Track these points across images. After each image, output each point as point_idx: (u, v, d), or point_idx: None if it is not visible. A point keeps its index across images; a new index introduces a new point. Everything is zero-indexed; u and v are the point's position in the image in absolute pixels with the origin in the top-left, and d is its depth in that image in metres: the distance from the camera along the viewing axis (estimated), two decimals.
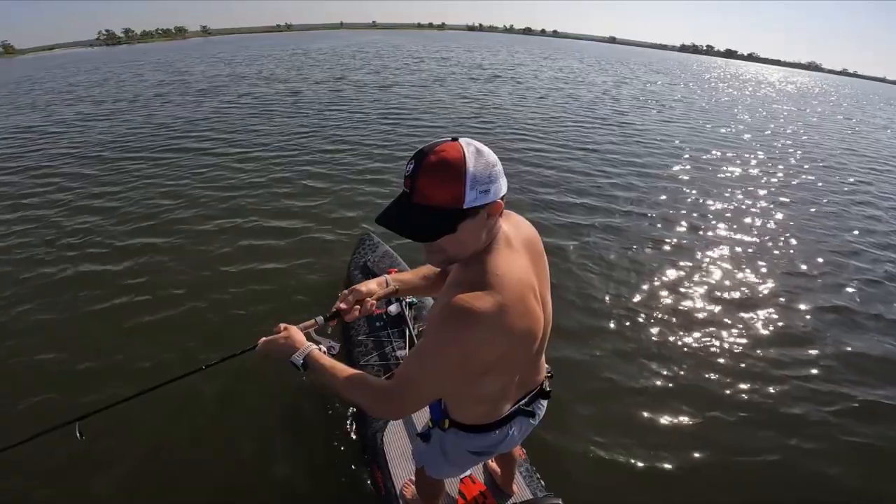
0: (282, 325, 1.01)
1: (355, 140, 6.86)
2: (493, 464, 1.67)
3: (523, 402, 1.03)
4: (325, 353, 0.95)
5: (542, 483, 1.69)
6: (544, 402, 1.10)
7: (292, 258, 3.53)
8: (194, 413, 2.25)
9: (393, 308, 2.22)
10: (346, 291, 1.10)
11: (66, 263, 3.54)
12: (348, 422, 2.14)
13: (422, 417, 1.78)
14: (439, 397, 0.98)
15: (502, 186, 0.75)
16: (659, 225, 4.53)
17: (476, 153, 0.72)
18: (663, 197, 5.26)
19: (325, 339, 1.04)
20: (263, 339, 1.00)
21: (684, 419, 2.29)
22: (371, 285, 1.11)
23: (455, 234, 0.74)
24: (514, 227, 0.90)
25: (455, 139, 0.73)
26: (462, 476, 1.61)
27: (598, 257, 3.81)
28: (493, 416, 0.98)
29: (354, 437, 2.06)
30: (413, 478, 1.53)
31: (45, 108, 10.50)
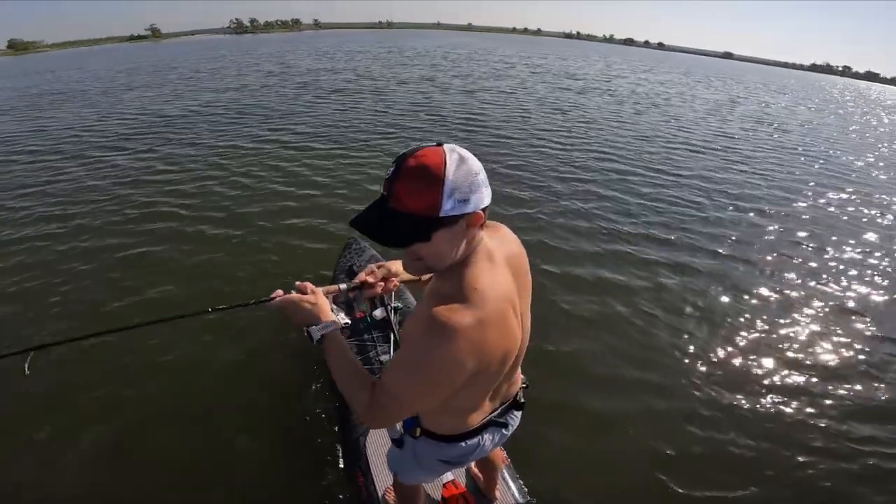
0: (308, 286, 0.96)
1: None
2: (475, 469, 1.68)
3: (496, 413, 1.02)
4: (342, 326, 0.92)
5: (525, 488, 1.70)
6: (518, 413, 1.10)
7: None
8: (176, 409, 2.31)
9: (378, 312, 2.30)
10: (374, 265, 1.09)
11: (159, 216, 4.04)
12: (331, 427, 2.15)
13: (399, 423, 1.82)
14: (422, 410, 0.94)
15: (484, 197, 0.73)
16: (749, 270, 3.89)
17: (458, 161, 0.70)
18: (764, 238, 4.53)
19: (339, 309, 0.99)
20: (282, 294, 0.95)
21: (674, 428, 2.30)
22: (398, 266, 1.09)
23: (430, 243, 0.72)
24: (500, 241, 0.88)
25: (440, 144, 0.71)
26: (445, 481, 1.62)
27: (666, 299, 3.37)
28: (464, 426, 0.98)
29: (337, 442, 2.05)
30: None
31: (173, 92, 12.04)
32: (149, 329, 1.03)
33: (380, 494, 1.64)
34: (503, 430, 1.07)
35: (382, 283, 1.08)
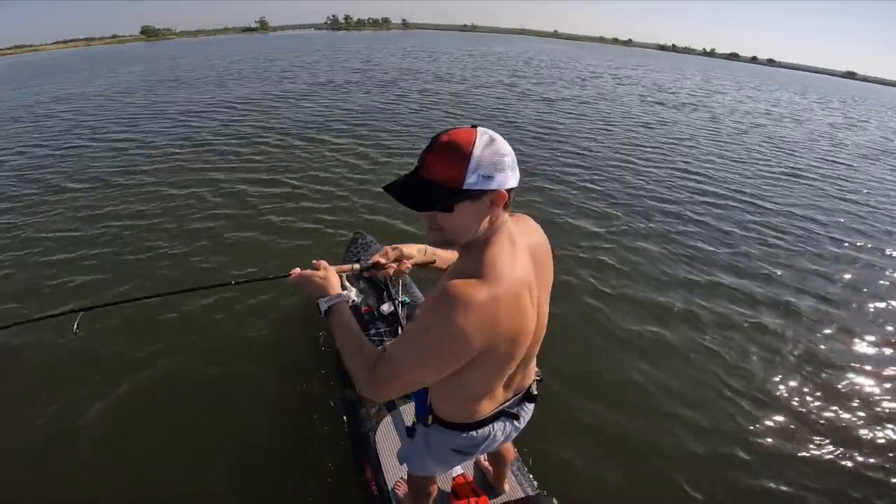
0: (322, 262, 1.03)
1: None
2: (485, 462, 1.69)
3: (508, 403, 1.04)
4: (352, 303, 0.96)
5: (535, 482, 1.71)
6: (530, 406, 1.12)
7: None
8: (194, 381, 2.43)
9: (385, 307, 2.16)
10: (389, 247, 1.13)
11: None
12: (340, 419, 2.10)
13: (410, 415, 1.77)
14: (423, 384, 0.89)
15: (510, 178, 0.76)
16: (852, 318, 3.32)
17: (488, 141, 0.74)
18: (875, 282, 3.82)
19: (354, 287, 1.04)
20: (299, 270, 1.02)
21: (685, 421, 2.30)
22: (412, 249, 1.13)
23: (452, 214, 0.76)
24: (524, 231, 0.92)
25: (474, 126, 0.76)
26: (454, 475, 1.63)
27: (735, 337, 3.02)
28: (476, 415, 0.99)
29: (346, 434, 2.01)
30: (405, 476, 1.53)
31: (275, 82, 13.00)
32: (184, 296, 1.18)
33: (389, 488, 1.63)
34: (515, 422, 1.08)
35: (395, 265, 1.11)
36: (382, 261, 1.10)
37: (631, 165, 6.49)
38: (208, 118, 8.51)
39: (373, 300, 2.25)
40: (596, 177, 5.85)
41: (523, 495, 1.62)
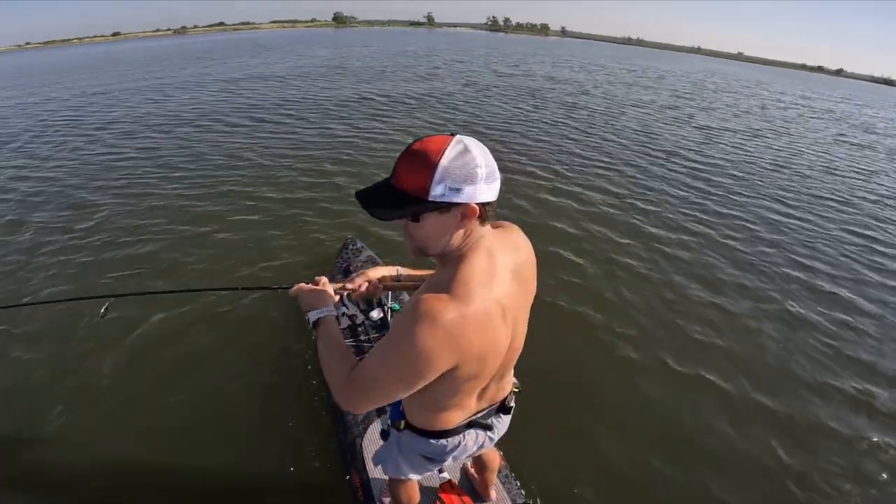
0: (322, 279, 1.06)
1: (645, 194, 5.53)
2: (472, 470, 1.69)
3: (481, 414, 1.04)
4: (343, 314, 0.89)
5: (522, 490, 1.72)
6: (505, 418, 1.12)
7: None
8: (194, 380, 2.46)
9: (375, 314, 2.20)
10: (356, 274, 1.15)
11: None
12: (328, 426, 2.10)
13: None
14: (395, 398, 0.86)
15: (482, 192, 0.73)
16: None
17: (460, 151, 0.71)
18: None
19: (353, 305, 1.03)
20: (302, 284, 1.06)
21: (667, 433, 2.30)
22: (378, 272, 1.17)
23: (420, 224, 0.76)
24: (509, 246, 0.89)
25: (453, 134, 0.74)
26: (441, 482, 1.64)
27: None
28: (446, 423, 1.00)
29: (334, 441, 2.01)
30: None
31: (425, 78, 13.87)
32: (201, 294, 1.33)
33: (376, 495, 1.64)
34: (488, 433, 1.07)
35: (366, 284, 1.13)
36: (350, 286, 1.12)
37: (815, 226, 5.13)
38: (353, 110, 9.44)
39: (364, 307, 2.28)
40: (768, 234, 4.79)
41: (510, 503, 1.64)
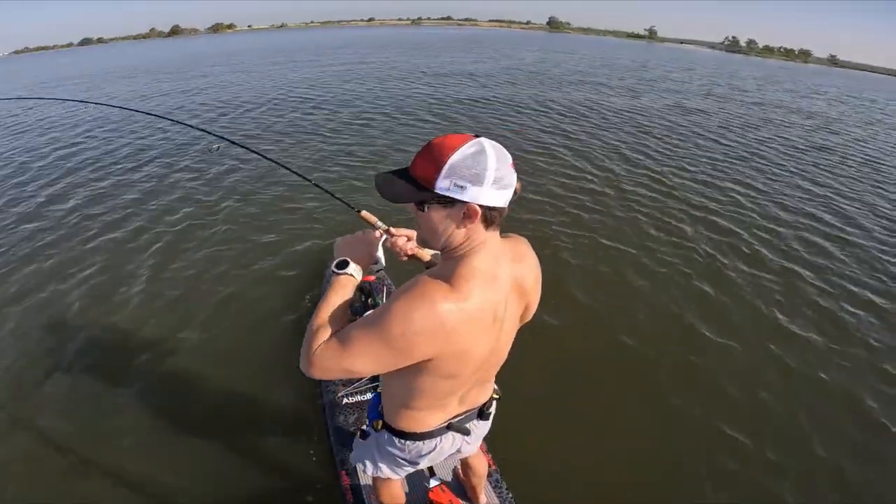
0: (380, 232, 1.09)
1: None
2: (462, 474, 1.69)
3: (459, 418, 1.04)
4: (358, 281, 0.96)
5: (510, 494, 1.72)
6: (483, 424, 1.13)
7: None
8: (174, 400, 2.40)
9: (358, 306, 2.09)
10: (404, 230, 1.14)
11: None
12: (319, 427, 2.09)
13: None
14: (361, 373, 0.84)
15: (486, 195, 0.75)
16: None
17: (475, 153, 0.73)
18: None
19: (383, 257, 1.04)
20: (371, 216, 1.16)
21: (661, 431, 2.30)
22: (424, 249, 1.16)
23: (424, 213, 0.80)
24: (515, 256, 0.90)
25: (477, 135, 0.76)
26: (432, 486, 1.64)
27: None
28: (423, 425, 1.01)
29: (323, 441, 2.00)
30: None
31: (627, 97, 12.48)
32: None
33: (365, 496, 1.66)
34: (465, 438, 1.08)
35: (403, 241, 1.11)
36: (393, 232, 1.11)
37: None
38: (529, 117, 8.93)
39: (359, 306, 2.14)
40: None
41: None
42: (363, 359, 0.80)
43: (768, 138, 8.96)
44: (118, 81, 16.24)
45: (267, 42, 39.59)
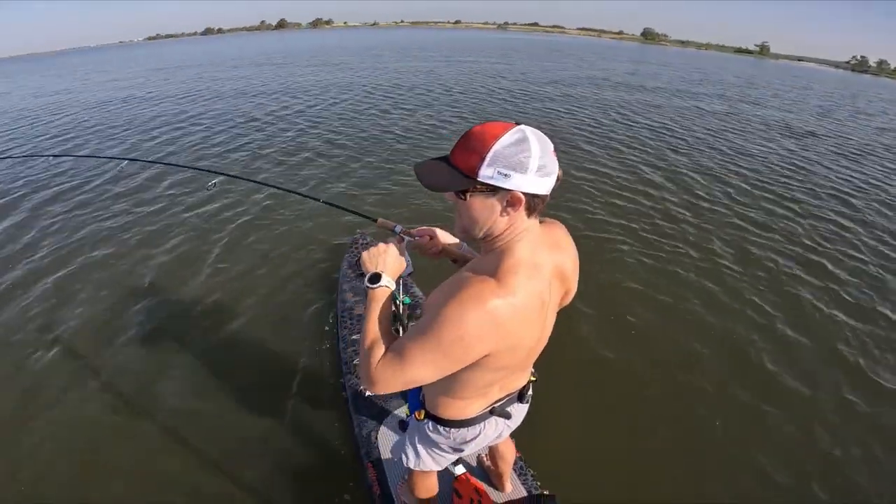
0: (429, 230, 1.13)
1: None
2: (487, 461, 1.69)
3: (500, 403, 1.04)
4: (392, 291, 0.96)
5: (536, 482, 1.71)
6: (523, 407, 1.12)
7: None
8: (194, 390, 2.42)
9: None
10: (426, 228, 1.15)
11: None
12: (343, 419, 2.10)
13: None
14: (425, 381, 0.84)
15: (530, 183, 0.73)
16: None
17: (518, 140, 0.72)
18: None
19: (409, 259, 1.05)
20: (391, 224, 1.17)
21: (681, 421, 2.30)
22: (447, 236, 1.14)
23: (466, 203, 0.78)
24: (553, 243, 0.89)
25: (517, 122, 0.75)
26: (457, 473, 1.62)
27: None
28: (467, 412, 1.01)
29: (349, 434, 2.01)
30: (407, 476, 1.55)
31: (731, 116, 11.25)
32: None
33: (393, 488, 1.64)
34: (506, 422, 1.08)
35: (427, 242, 1.13)
36: (414, 233, 1.13)
37: None
38: (609, 129, 8.29)
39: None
40: None
41: (525, 494, 1.63)
42: (423, 369, 0.80)
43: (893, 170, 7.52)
44: (228, 71, 17.90)
45: (357, 39, 41.74)
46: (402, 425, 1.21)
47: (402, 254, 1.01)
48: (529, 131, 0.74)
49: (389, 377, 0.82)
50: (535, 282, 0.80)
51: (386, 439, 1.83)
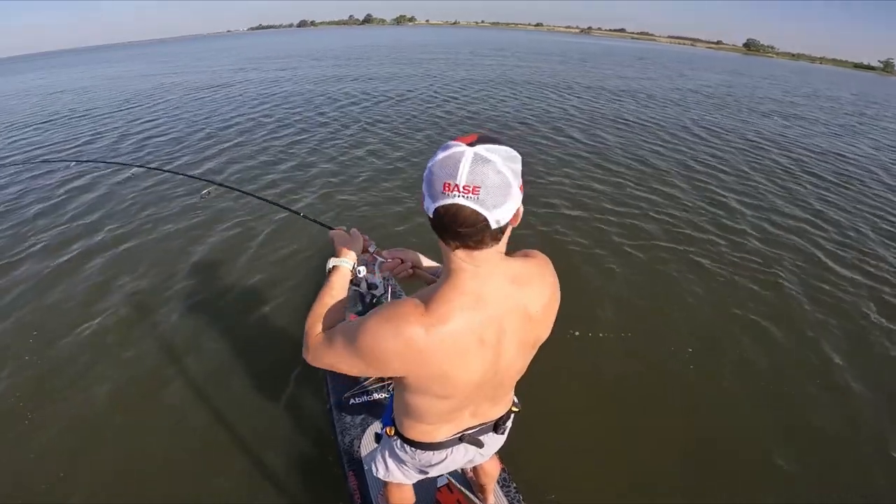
0: (354, 230, 1.12)
1: None
2: (470, 473, 1.67)
3: (472, 431, 1.01)
4: (351, 268, 1.01)
5: (519, 494, 1.71)
6: (497, 437, 1.08)
7: None
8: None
9: (367, 298, 2.09)
10: (399, 250, 1.14)
11: None
12: (325, 428, 2.09)
13: None
14: (344, 371, 0.85)
15: (429, 207, 0.68)
16: None
17: (444, 156, 0.65)
18: None
19: (379, 275, 1.20)
20: (342, 229, 1.13)
21: (669, 435, 2.26)
22: (424, 260, 1.12)
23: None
24: (521, 281, 0.80)
25: (478, 135, 0.67)
26: (439, 485, 1.65)
27: None
28: (434, 436, 1.00)
29: (331, 443, 1.99)
30: None
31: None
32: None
33: (373, 497, 1.64)
34: (478, 450, 1.05)
35: (397, 263, 1.11)
36: (386, 256, 1.13)
37: None
38: (687, 144, 7.58)
39: (360, 307, 2.09)
40: None
41: None
42: (343, 362, 0.83)
43: None
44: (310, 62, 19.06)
45: (437, 38, 42.33)
46: (377, 437, 1.22)
47: (358, 241, 1.09)
48: (456, 146, 0.66)
49: (319, 355, 0.87)
50: (473, 314, 0.74)
51: (367, 448, 1.84)
